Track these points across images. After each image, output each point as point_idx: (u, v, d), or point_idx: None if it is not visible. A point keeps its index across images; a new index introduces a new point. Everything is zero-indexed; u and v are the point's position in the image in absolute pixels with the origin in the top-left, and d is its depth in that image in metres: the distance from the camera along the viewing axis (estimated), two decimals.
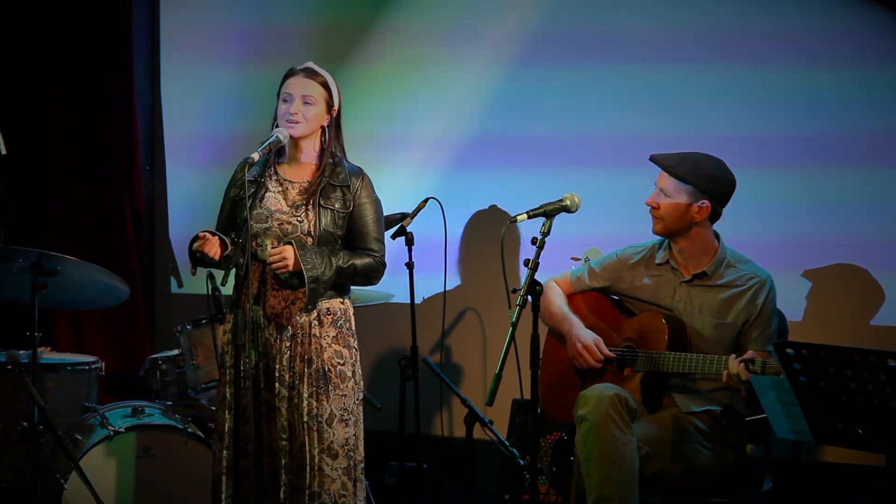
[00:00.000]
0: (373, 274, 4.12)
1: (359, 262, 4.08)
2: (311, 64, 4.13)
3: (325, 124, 4.11)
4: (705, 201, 4.22)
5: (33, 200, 6.14)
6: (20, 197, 6.10)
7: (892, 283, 4.94)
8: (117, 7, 6.05)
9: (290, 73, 4.12)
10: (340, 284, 4.10)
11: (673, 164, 4.24)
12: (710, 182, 4.22)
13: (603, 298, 4.44)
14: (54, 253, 4.60)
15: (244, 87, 5.94)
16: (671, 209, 4.24)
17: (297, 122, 4.05)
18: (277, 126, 4.09)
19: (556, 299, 4.43)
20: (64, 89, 6.07)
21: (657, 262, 4.35)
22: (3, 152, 4.86)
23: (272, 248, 4.04)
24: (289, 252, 3.97)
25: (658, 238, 4.38)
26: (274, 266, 3.99)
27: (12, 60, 6.10)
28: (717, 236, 4.32)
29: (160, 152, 6.24)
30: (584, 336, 4.30)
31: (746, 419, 4.28)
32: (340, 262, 4.04)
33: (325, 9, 5.85)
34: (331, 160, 4.11)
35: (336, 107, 4.13)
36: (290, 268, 3.98)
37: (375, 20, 5.74)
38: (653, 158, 4.27)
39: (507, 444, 4.34)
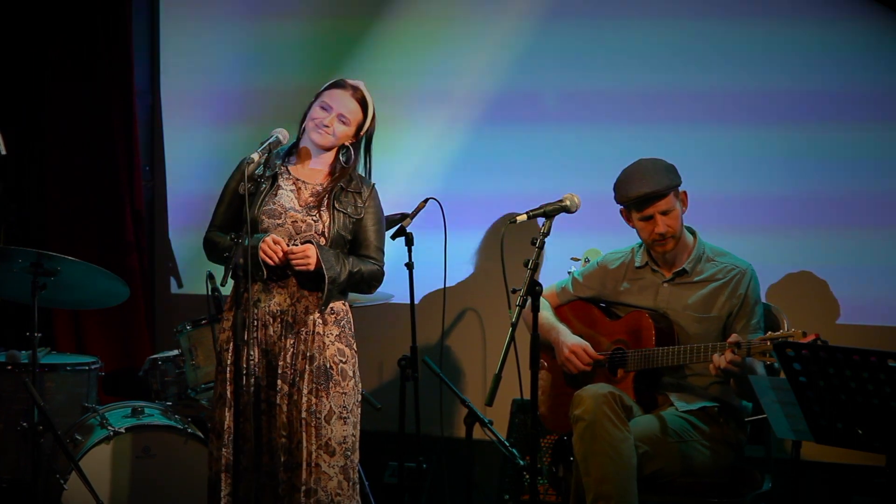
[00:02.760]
0: (374, 282, 4.18)
1: (365, 269, 4.12)
2: (361, 84, 4.17)
3: (350, 143, 4.15)
4: (680, 190, 4.26)
5: (33, 200, 6.14)
6: (20, 197, 6.10)
7: (890, 284, 4.94)
8: (117, 8, 6.05)
9: (338, 84, 4.15)
10: (351, 289, 4.15)
11: (662, 186, 4.21)
12: (674, 172, 4.25)
13: (589, 306, 4.46)
14: (54, 253, 4.60)
15: (244, 88, 5.94)
16: (678, 222, 4.25)
17: (327, 134, 4.09)
18: (305, 124, 4.13)
19: (543, 311, 4.43)
20: (64, 89, 6.07)
21: (637, 265, 4.37)
22: (3, 152, 4.86)
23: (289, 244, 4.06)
24: (311, 251, 4.00)
25: (636, 242, 4.39)
26: (295, 263, 4.00)
27: (13, 61, 6.10)
28: (692, 232, 4.33)
29: (160, 152, 6.24)
30: (572, 341, 4.31)
31: (746, 419, 4.28)
32: (351, 266, 4.08)
33: (318, 19, 5.86)
34: (349, 175, 4.15)
35: (364, 131, 4.17)
36: (312, 267, 4.00)
37: (374, 21, 5.76)
38: (646, 195, 4.18)
39: (507, 444, 4.35)
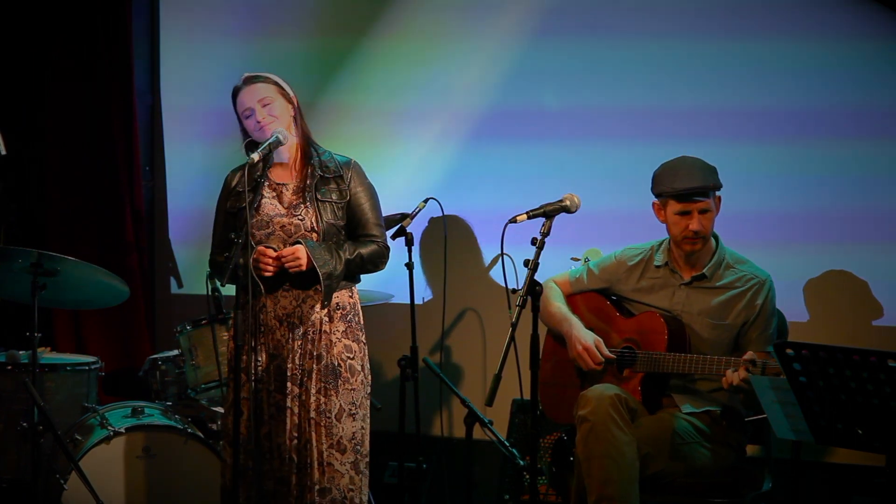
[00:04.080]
0: (379, 260, 4.15)
1: (364, 251, 4.10)
2: (247, 74, 4.14)
3: (293, 115, 4.13)
4: (718, 195, 4.25)
5: (33, 200, 6.14)
6: (20, 197, 6.10)
7: (889, 284, 4.94)
8: (117, 8, 6.05)
9: (235, 93, 4.13)
10: (350, 276, 4.12)
11: (709, 183, 4.18)
12: (717, 175, 4.24)
13: (602, 299, 4.44)
14: (54, 253, 4.60)
15: None
16: (711, 224, 4.23)
17: (269, 123, 4.06)
18: (248, 145, 4.09)
19: (556, 300, 4.42)
20: (64, 90, 6.07)
21: (656, 264, 4.34)
22: (3, 152, 4.86)
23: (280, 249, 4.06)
24: (301, 252, 3.99)
25: (657, 239, 4.38)
26: (288, 267, 3.99)
27: (13, 61, 6.10)
28: (715, 237, 4.31)
29: (160, 152, 6.24)
30: (585, 337, 4.29)
31: (746, 419, 4.28)
32: (347, 254, 4.06)
33: (319, 20, 5.86)
34: (317, 156, 4.13)
35: (293, 95, 4.15)
36: (304, 267, 3.99)
37: (375, 16, 5.76)
38: (693, 189, 4.14)
39: (507, 444, 4.34)
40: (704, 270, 4.26)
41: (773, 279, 4.25)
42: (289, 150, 4.15)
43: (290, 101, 4.13)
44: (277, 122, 4.07)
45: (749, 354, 3.99)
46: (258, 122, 4.05)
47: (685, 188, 4.17)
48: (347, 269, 4.07)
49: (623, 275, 4.40)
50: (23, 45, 6.09)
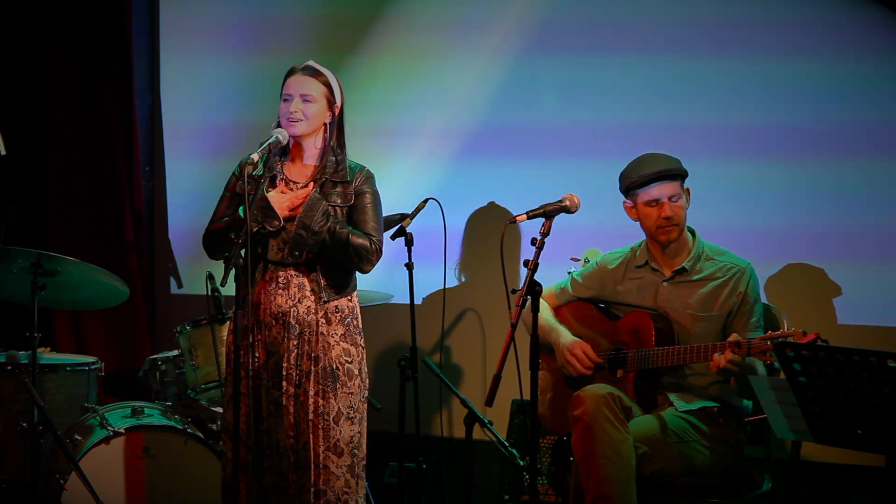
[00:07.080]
0: (365, 253, 4.04)
1: (353, 236, 4.04)
2: (311, 62, 4.14)
3: (327, 122, 4.12)
4: (687, 188, 4.28)
5: (33, 200, 6.14)
6: (20, 197, 6.10)
7: (889, 282, 4.94)
8: (117, 7, 6.05)
9: (290, 73, 4.13)
10: (334, 254, 4.05)
11: (674, 168, 4.24)
12: (682, 164, 4.28)
13: (588, 307, 4.45)
14: (54, 253, 4.60)
15: (244, 88, 5.94)
16: (683, 211, 4.26)
17: (297, 121, 4.05)
18: (279, 126, 4.09)
19: (543, 312, 4.42)
20: (64, 89, 6.07)
21: (636, 264, 4.37)
22: (3, 152, 4.87)
23: (277, 248, 4.06)
24: (308, 194, 4.01)
25: (636, 241, 4.40)
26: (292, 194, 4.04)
27: (12, 60, 6.10)
28: (692, 231, 4.33)
29: (160, 153, 6.24)
30: (572, 344, 4.31)
31: (746, 419, 4.29)
32: (338, 226, 4.02)
33: (325, 3, 5.86)
34: (333, 158, 4.12)
35: (338, 104, 4.13)
36: (299, 200, 4.01)
37: (376, 12, 5.75)
38: (659, 173, 4.21)
39: (507, 444, 4.34)
40: (684, 264, 4.29)
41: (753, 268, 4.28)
42: (310, 153, 4.14)
43: (331, 108, 4.11)
44: (305, 122, 4.06)
45: (733, 336, 4.00)
46: (289, 112, 4.06)
47: (650, 172, 4.21)
48: (331, 238, 4.01)
49: (606, 280, 4.42)
50: (22, 45, 6.08)
